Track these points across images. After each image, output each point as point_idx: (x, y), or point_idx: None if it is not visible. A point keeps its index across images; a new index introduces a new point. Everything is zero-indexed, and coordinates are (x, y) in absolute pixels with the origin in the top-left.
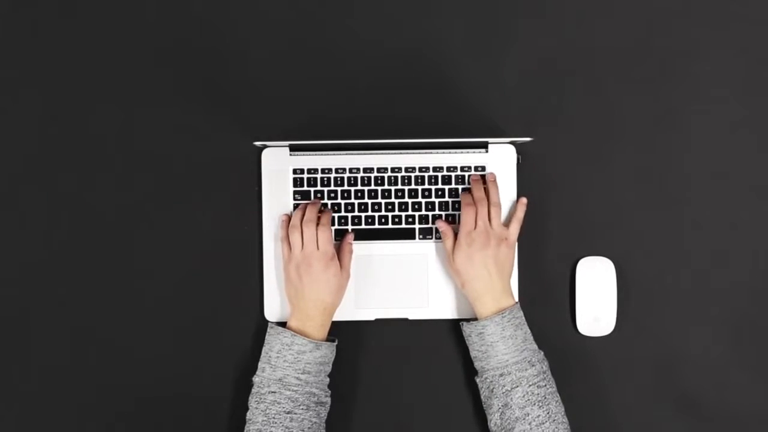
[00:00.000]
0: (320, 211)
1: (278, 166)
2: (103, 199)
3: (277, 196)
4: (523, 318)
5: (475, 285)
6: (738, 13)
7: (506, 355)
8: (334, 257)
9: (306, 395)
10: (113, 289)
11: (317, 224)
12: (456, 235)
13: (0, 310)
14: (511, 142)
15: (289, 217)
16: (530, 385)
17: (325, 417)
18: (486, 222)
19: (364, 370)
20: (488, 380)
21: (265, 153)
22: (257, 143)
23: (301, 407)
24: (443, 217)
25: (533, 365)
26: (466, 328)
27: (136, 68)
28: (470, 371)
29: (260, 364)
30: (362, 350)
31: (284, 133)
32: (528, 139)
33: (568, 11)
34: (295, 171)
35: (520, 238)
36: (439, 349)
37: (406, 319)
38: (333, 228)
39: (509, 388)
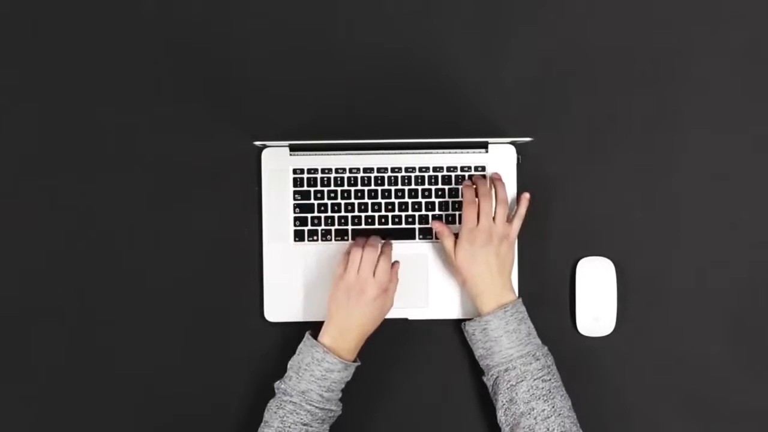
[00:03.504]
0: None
1: (278, 166)
2: (102, 199)
3: (277, 196)
4: (526, 313)
5: (476, 282)
6: (738, 13)
7: (510, 349)
8: (388, 289)
9: (324, 411)
10: (113, 289)
11: (380, 253)
12: (454, 233)
13: (0, 310)
14: (511, 142)
15: (364, 242)
16: (535, 380)
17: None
18: (489, 219)
19: (365, 369)
20: (494, 376)
21: (265, 153)
22: (257, 143)
23: (317, 421)
24: (442, 218)
25: (538, 359)
26: (469, 327)
27: (135, 68)
28: (470, 371)
29: (289, 370)
30: (362, 350)
31: (284, 133)
32: (528, 139)
33: (567, 11)
34: (295, 171)
35: (521, 238)
36: (439, 349)
37: (406, 319)
38: (333, 228)
39: (514, 383)
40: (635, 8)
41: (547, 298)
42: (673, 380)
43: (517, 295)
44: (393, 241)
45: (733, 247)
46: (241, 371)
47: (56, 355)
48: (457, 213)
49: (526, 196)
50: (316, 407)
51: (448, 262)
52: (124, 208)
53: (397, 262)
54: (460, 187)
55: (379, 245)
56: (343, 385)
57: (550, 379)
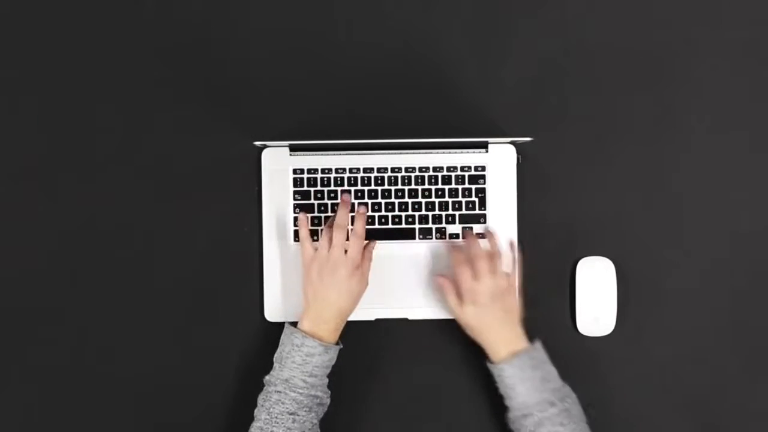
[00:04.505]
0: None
1: (278, 166)
2: (102, 199)
3: (277, 196)
4: (543, 357)
5: (486, 336)
6: (738, 13)
7: (526, 396)
8: (360, 266)
9: (310, 398)
10: (113, 289)
11: (351, 230)
12: (456, 285)
13: (0, 310)
14: (511, 142)
15: (307, 217)
16: (553, 425)
17: (322, 416)
18: (488, 276)
19: (364, 370)
20: (513, 421)
21: (265, 153)
22: (257, 143)
23: (304, 409)
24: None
25: (554, 404)
26: (490, 369)
27: (135, 68)
28: (470, 371)
29: (274, 363)
30: (362, 350)
31: (284, 133)
32: (528, 139)
33: (568, 11)
34: (295, 171)
35: (521, 237)
36: (439, 349)
37: (406, 319)
38: None
39: (532, 429)
40: (635, 8)
41: (547, 298)
42: (673, 380)
43: (527, 341)
44: (389, 242)
45: (733, 246)
46: (241, 371)
47: (56, 354)
48: (457, 213)
49: (513, 242)
50: (301, 394)
51: (454, 315)
52: (124, 208)
53: (372, 240)
54: (460, 187)
55: (347, 223)
56: (327, 371)
57: (568, 423)
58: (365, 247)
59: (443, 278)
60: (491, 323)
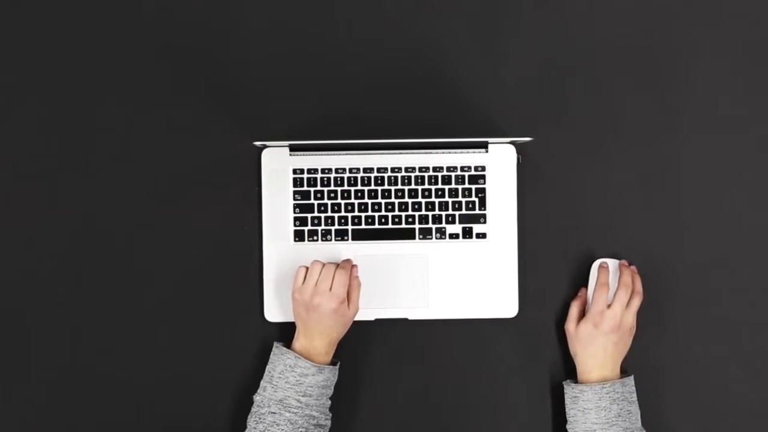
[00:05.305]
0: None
1: (278, 166)
2: (102, 199)
3: (277, 196)
4: (629, 394)
5: (587, 360)
6: (738, 13)
7: (595, 424)
8: (344, 300)
9: (305, 418)
10: (113, 289)
11: (338, 266)
12: (585, 300)
13: (0, 310)
14: (511, 142)
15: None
16: None
17: None
18: (622, 309)
19: (364, 370)
20: None
21: (265, 153)
22: (257, 143)
23: (299, 429)
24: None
25: None
26: (566, 388)
27: (135, 68)
28: (470, 371)
29: (262, 383)
30: (362, 350)
31: (284, 133)
32: (528, 139)
33: (568, 11)
34: (295, 171)
35: (521, 237)
36: (439, 349)
37: (406, 319)
38: (333, 228)
39: None
40: (635, 8)
41: (546, 298)
42: (674, 380)
43: (620, 376)
44: (389, 242)
45: (733, 247)
46: (240, 371)
47: (56, 354)
48: (457, 213)
49: (639, 289)
50: (296, 414)
51: (567, 325)
52: (124, 208)
53: (354, 266)
54: (460, 187)
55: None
56: (324, 391)
57: None
58: (350, 274)
59: (584, 290)
60: (597, 350)
